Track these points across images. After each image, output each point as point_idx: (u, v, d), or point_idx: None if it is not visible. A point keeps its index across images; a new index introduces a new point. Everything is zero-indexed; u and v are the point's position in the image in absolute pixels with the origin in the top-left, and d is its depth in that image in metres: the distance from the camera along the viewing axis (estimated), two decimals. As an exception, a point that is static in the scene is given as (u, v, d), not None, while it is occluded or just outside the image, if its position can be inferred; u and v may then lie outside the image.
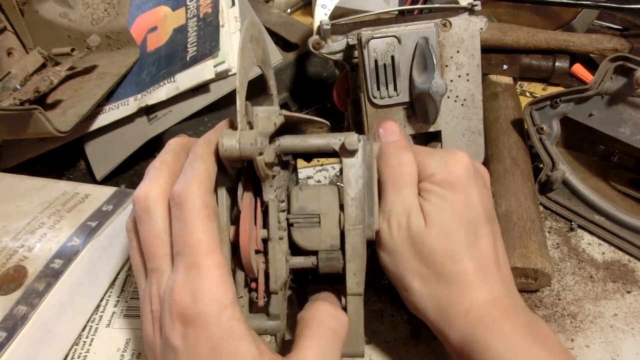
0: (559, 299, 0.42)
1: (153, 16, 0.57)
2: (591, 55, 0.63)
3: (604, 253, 0.45)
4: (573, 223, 0.47)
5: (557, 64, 0.61)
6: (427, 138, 0.45)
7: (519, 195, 0.45)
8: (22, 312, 0.33)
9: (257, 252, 0.31)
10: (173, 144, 0.32)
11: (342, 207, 0.31)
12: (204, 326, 0.25)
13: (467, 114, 0.44)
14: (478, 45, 0.42)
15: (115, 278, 0.42)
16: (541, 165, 0.49)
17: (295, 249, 0.32)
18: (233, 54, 0.51)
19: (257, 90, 0.45)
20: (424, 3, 0.45)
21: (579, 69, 0.62)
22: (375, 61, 0.41)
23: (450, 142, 0.44)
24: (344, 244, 0.31)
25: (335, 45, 0.43)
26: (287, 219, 0.32)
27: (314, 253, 0.32)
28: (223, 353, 0.25)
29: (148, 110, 0.52)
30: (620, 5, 0.58)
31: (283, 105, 0.60)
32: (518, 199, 0.44)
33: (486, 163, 0.48)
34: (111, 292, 0.41)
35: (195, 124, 0.53)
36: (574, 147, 0.50)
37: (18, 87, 0.50)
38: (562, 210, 0.48)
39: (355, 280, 0.31)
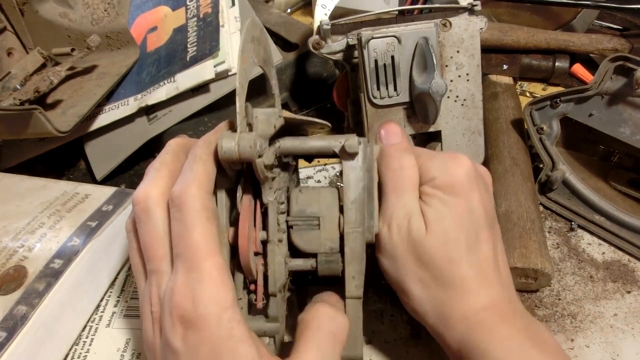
0: (559, 299, 0.42)
1: (153, 16, 0.57)
2: (591, 55, 0.63)
3: (604, 253, 0.45)
4: (573, 223, 0.47)
5: (557, 64, 0.61)
6: (427, 138, 0.45)
7: (519, 195, 0.45)
8: (22, 312, 0.33)
9: (256, 254, 0.31)
10: (173, 145, 0.32)
11: (341, 210, 0.31)
12: (204, 328, 0.25)
13: (467, 114, 0.44)
14: (478, 45, 0.42)
15: (115, 278, 0.42)
16: (541, 165, 0.49)
17: (295, 251, 0.32)
18: (233, 54, 0.51)
19: (257, 90, 0.45)
20: (424, 3, 0.45)
21: (579, 69, 0.62)
22: (375, 61, 0.41)
23: (450, 142, 0.44)
24: (343, 247, 0.31)
25: (335, 45, 0.43)
26: (287, 221, 0.31)
27: (314, 255, 0.32)
28: (223, 355, 0.25)
29: (148, 110, 0.52)
30: (620, 5, 0.58)
31: (283, 105, 0.60)
32: (518, 199, 0.44)
33: (486, 163, 0.48)
34: (111, 292, 0.41)
35: (195, 124, 0.53)
36: (574, 147, 0.50)
37: (18, 87, 0.50)
38: (562, 210, 0.48)
39: (354, 284, 0.31)
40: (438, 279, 0.31)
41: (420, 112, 0.43)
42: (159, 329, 0.27)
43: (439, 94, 0.39)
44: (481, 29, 0.42)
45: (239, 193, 0.30)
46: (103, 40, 0.53)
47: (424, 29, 0.40)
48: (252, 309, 0.31)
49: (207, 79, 0.49)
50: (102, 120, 0.51)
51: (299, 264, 0.32)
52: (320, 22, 0.42)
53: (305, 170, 0.53)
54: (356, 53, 0.43)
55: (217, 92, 0.51)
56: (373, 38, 0.40)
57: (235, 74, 0.50)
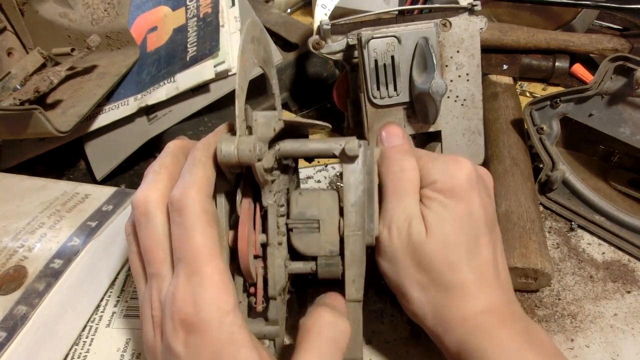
0: (559, 299, 0.42)
1: (153, 16, 0.57)
2: (591, 55, 0.63)
3: (604, 253, 0.45)
4: (573, 223, 0.47)
5: (557, 64, 0.61)
6: (427, 138, 0.45)
7: (519, 195, 0.45)
8: (22, 312, 0.33)
9: (256, 257, 0.30)
10: (172, 147, 0.31)
11: (341, 212, 0.31)
12: (206, 333, 0.25)
13: (467, 114, 0.44)
14: (478, 45, 0.42)
15: (115, 278, 0.42)
16: (541, 165, 0.49)
17: (295, 254, 0.32)
18: (233, 54, 0.51)
19: (257, 90, 0.45)
20: (424, 3, 0.45)
21: (579, 69, 0.62)
22: (375, 61, 0.41)
23: (450, 142, 0.44)
24: (343, 250, 0.31)
25: (335, 45, 0.43)
26: (287, 224, 0.31)
27: (313, 258, 0.32)
28: (224, 359, 0.25)
29: (148, 110, 0.52)
30: (620, 5, 0.58)
31: (283, 105, 0.60)
32: (518, 199, 0.44)
33: (486, 163, 0.48)
34: (111, 292, 0.41)
35: (195, 124, 0.53)
36: (574, 147, 0.50)
37: (18, 87, 0.50)
38: (562, 210, 0.48)
39: (354, 287, 0.31)
40: (437, 282, 0.31)
41: (420, 112, 0.43)
42: (160, 333, 0.27)
43: (439, 94, 0.39)
44: (481, 29, 0.42)
45: (239, 196, 0.30)
46: (103, 40, 0.53)
47: (424, 29, 0.40)
48: (251, 312, 0.31)
49: (207, 79, 0.49)
50: (102, 120, 0.51)
51: (299, 267, 0.32)
52: (320, 22, 0.42)
53: (305, 170, 0.53)
54: (356, 53, 0.43)
55: (217, 92, 0.52)
56: (373, 38, 0.40)
57: (235, 74, 0.50)
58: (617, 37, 0.60)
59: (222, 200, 0.29)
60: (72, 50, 0.50)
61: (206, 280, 0.26)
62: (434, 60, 0.39)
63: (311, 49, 0.43)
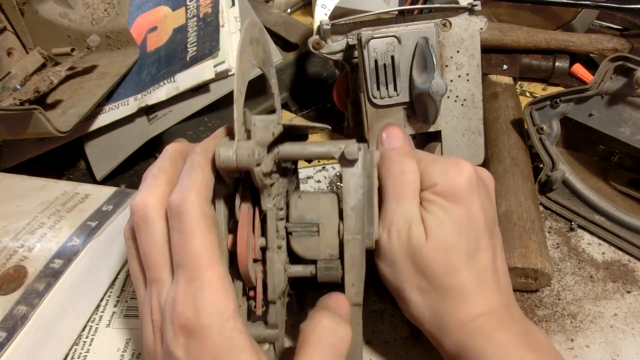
0: (559, 299, 0.42)
1: (153, 16, 0.57)
2: (591, 55, 0.63)
3: (604, 253, 0.45)
4: (573, 223, 0.47)
5: (557, 64, 0.61)
6: (427, 138, 0.45)
7: (519, 195, 0.45)
8: (22, 312, 0.33)
9: (255, 261, 0.30)
10: (170, 151, 0.31)
11: (341, 215, 0.31)
12: (207, 338, 0.25)
13: (467, 114, 0.44)
14: (478, 45, 0.42)
15: (115, 278, 0.42)
16: (541, 165, 0.49)
17: (294, 258, 0.32)
18: (233, 54, 0.51)
19: (257, 89, 0.45)
20: (424, 3, 0.45)
21: (579, 69, 0.62)
22: (375, 61, 0.41)
23: (450, 142, 0.44)
24: (342, 254, 0.30)
25: (335, 45, 0.43)
26: (286, 228, 0.31)
27: (313, 262, 0.32)
28: None
29: (148, 110, 0.52)
30: (620, 5, 0.58)
31: (283, 105, 0.60)
32: (518, 199, 0.44)
33: (486, 163, 0.48)
34: (111, 292, 0.41)
35: (195, 124, 0.53)
36: (574, 147, 0.50)
37: (18, 87, 0.50)
38: (562, 210, 0.48)
39: (354, 291, 0.31)
40: (437, 286, 0.31)
41: (420, 112, 0.43)
42: (160, 337, 0.27)
43: (439, 94, 0.39)
44: (481, 29, 0.42)
45: (238, 200, 0.30)
46: (103, 40, 0.53)
47: (424, 29, 0.40)
48: (251, 315, 0.31)
49: (207, 79, 0.49)
50: (102, 120, 0.51)
51: (299, 270, 0.32)
52: (320, 22, 0.42)
53: (305, 170, 0.53)
54: (356, 53, 0.43)
55: (217, 92, 0.51)
56: (373, 38, 0.40)
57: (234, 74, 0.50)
58: (617, 37, 0.60)
59: (221, 204, 0.29)
60: (72, 50, 0.50)
61: (206, 285, 0.26)
62: (434, 60, 0.39)
63: (311, 49, 0.43)
